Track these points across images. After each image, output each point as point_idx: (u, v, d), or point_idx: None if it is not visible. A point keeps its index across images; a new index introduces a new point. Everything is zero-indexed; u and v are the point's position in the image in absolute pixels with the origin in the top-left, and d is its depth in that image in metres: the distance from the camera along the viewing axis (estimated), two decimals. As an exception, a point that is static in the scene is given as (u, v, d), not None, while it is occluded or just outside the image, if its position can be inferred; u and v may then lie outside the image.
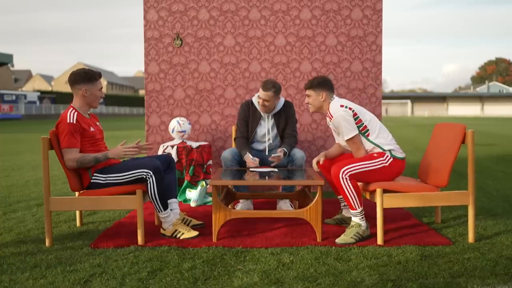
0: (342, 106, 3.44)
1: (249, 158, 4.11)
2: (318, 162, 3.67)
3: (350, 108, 3.43)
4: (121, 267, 2.81)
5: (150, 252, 3.09)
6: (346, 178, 3.27)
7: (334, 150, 3.78)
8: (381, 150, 3.43)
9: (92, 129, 3.43)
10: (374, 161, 3.37)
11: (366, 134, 3.45)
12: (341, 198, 3.82)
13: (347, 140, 3.45)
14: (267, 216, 3.45)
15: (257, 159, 4.12)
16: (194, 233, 3.45)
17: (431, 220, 3.92)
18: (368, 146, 3.47)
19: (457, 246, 3.18)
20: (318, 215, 3.32)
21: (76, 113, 3.36)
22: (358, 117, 3.43)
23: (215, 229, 3.34)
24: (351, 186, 3.28)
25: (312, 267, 2.78)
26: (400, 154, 3.46)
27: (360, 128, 3.44)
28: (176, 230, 3.43)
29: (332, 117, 3.47)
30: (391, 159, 3.41)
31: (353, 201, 3.31)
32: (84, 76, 3.39)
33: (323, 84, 3.54)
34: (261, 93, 4.17)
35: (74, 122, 3.31)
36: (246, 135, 4.39)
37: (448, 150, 3.39)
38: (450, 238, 3.38)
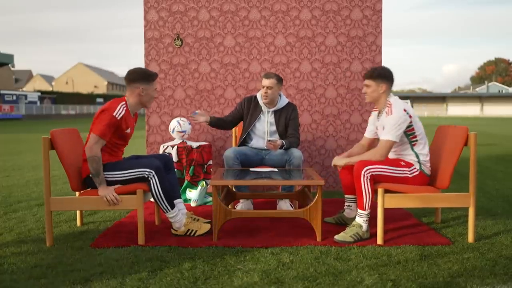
0: (405, 110, 3.38)
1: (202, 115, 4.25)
2: (338, 165, 3.61)
3: (410, 116, 3.40)
4: (121, 267, 2.81)
5: (150, 252, 3.10)
6: (367, 177, 3.27)
7: (356, 152, 3.74)
8: (413, 160, 3.44)
9: (128, 131, 3.42)
10: (399, 169, 3.40)
11: (413, 143, 3.45)
12: (347, 198, 3.81)
13: (382, 140, 3.43)
14: (267, 216, 3.46)
15: (203, 115, 4.26)
16: (207, 227, 3.46)
17: (431, 220, 3.93)
18: (409, 154, 3.46)
19: (457, 246, 3.19)
20: (318, 215, 3.32)
21: (125, 109, 3.34)
22: (412, 125, 3.42)
23: (215, 229, 3.35)
24: (369, 186, 3.28)
25: (312, 267, 2.78)
26: (428, 170, 3.47)
27: (411, 137, 3.44)
28: (188, 230, 3.44)
29: (390, 113, 3.40)
30: (417, 173, 3.42)
31: (365, 201, 3.31)
32: (143, 76, 3.38)
33: (384, 75, 3.50)
34: (264, 82, 4.24)
35: (118, 118, 3.29)
36: (228, 120, 4.49)
37: (450, 152, 3.39)
38: (450, 238, 3.39)
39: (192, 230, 3.44)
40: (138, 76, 3.37)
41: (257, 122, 4.39)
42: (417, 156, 3.45)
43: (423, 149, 3.46)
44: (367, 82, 3.54)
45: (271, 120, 4.38)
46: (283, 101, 4.40)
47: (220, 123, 4.46)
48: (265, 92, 4.25)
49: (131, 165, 3.35)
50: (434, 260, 2.91)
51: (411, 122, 3.41)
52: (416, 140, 3.45)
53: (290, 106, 4.41)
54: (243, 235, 3.48)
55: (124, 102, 3.36)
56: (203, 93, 5.33)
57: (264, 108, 4.38)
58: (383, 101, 3.53)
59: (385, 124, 3.44)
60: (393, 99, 3.49)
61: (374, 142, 3.81)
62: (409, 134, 3.44)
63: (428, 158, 3.48)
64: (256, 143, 4.42)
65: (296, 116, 4.41)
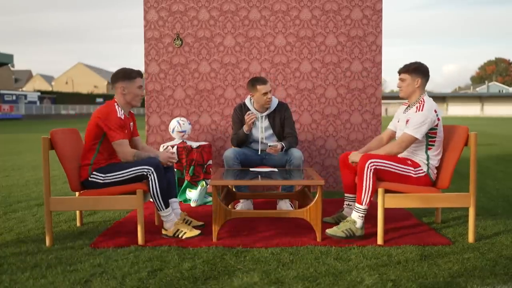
0: (435, 112, 3.36)
1: (246, 120, 4.17)
2: (355, 162, 3.56)
3: (438, 119, 3.38)
4: (121, 267, 2.81)
5: (150, 252, 3.09)
6: (371, 169, 3.25)
7: (374, 146, 3.71)
8: (422, 162, 3.42)
9: (125, 131, 3.44)
10: (404, 167, 3.37)
11: (429, 147, 3.41)
12: (347, 197, 3.80)
13: (405, 134, 3.37)
14: (267, 216, 3.46)
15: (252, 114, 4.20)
16: (196, 232, 3.44)
17: (431, 220, 3.93)
18: (420, 154, 3.43)
19: (457, 246, 3.19)
20: (318, 215, 3.32)
21: (120, 109, 3.41)
22: (437, 129, 3.38)
23: (215, 229, 3.35)
24: (371, 179, 3.26)
25: (312, 267, 2.78)
26: (433, 176, 3.45)
27: (430, 139, 3.40)
28: (178, 229, 3.43)
29: (421, 110, 3.36)
30: (422, 174, 3.40)
31: (365, 195, 3.28)
32: (123, 74, 3.44)
33: (420, 70, 3.46)
34: (264, 88, 4.20)
35: (123, 118, 3.37)
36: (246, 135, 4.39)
37: (450, 152, 3.39)
38: (450, 238, 3.39)
39: (182, 231, 3.42)
40: (118, 76, 3.45)
41: (253, 129, 4.37)
42: (427, 159, 3.42)
43: (437, 155, 3.42)
44: (402, 76, 3.50)
45: (266, 125, 4.36)
46: (274, 102, 4.39)
47: (246, 139, 4.38)
48: (269, 98, 4.24)
49: (131, 164, 3.36)
50: (435, 260, 2.91)
51: (437, 125, 3.37)
52: (433, 145, 3.41)
53: (282, 106, 4.40)
54: (243, 235, 3.48)
55: (116, 104, 3.43)
56: (203, 93, 5.33)
57: (257, 114, 4.35)
58: (416, 96, 3.48)
59: (412, 119, 3.38)
60: (427, 98, 3.45)
61: (394, 136, 3.77)
62: (430, 136, 3.39)
63: (437, 164, 3.44)
64: (255, 146, 4.42)
65: (290, 115, 4.40)
